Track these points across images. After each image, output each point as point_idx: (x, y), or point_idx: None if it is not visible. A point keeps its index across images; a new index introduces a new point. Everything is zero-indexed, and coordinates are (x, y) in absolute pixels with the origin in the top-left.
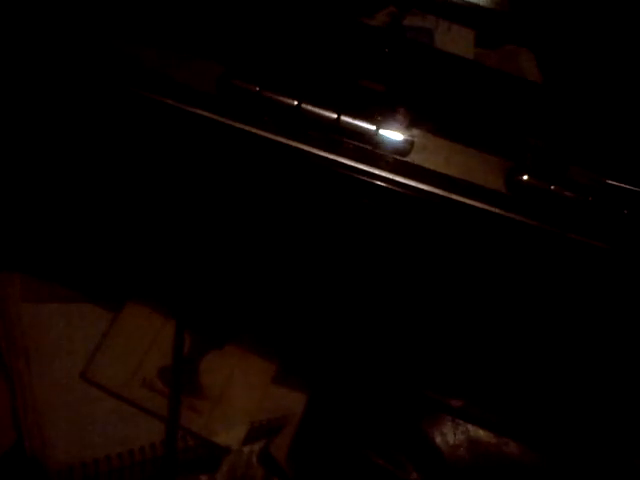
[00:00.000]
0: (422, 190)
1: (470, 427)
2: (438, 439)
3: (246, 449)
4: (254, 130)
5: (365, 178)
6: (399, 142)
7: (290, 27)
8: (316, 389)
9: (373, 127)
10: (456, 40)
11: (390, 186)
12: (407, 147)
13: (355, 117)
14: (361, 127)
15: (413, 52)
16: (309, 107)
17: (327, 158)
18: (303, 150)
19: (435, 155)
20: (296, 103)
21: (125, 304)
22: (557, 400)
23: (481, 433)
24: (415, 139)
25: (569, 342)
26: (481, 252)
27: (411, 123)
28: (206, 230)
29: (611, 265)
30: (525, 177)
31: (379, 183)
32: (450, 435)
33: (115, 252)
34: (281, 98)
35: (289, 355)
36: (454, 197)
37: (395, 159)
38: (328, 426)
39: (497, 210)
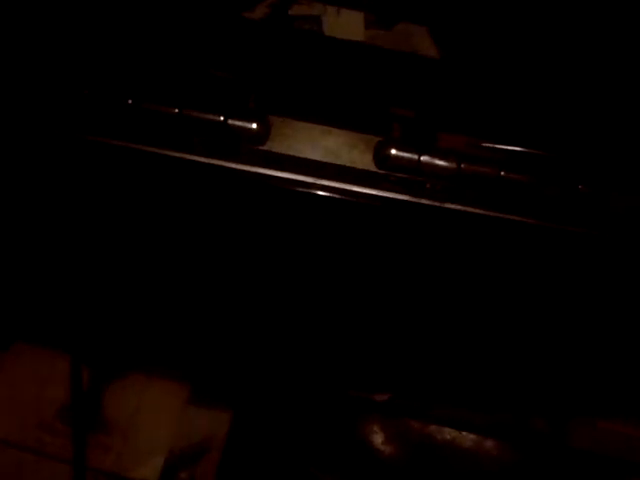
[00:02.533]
0: (284, 179)
1: (399, 420)
2: (370, 438)
3: None
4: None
5: (218, 173)
6: (251, 130)
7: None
8: (237, 407)
9: (220, 117)
10: (346, 24)
11: (251, 178)
12: (262, 134)
13: (200, 109)
14: (207, 118)
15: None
16: (150, 106)
17: (175, 157)
18: (148, 152)
19: (296, 140)
20: (131, 102)
21: (10, 347)
22: (480, 381)
23: (411, 424)
24: (272, 125)
25: (468, 316)
26: (361, 234)
27: (267, 109)
28: (97, 251)
29: (491, 231)
30: (393, 151)
31: (236, 176)
32: (380, 432)
33: None
34: (116, 98)
35: (202, 374)
36: (322, 182)
37: (250, 149)
38: (255, 444)
39: (368, 190)
